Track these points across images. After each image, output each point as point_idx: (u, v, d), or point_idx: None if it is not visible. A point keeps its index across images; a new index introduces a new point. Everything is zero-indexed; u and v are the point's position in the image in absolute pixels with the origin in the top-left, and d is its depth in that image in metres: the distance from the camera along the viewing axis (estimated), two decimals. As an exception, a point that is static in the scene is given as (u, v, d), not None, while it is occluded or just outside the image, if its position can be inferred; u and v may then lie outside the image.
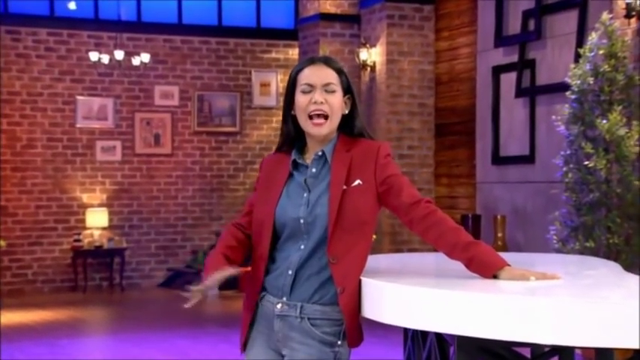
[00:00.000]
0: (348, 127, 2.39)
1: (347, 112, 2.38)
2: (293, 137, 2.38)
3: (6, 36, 9.71)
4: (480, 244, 2.25)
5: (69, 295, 9.67)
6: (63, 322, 8.00)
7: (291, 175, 2.37)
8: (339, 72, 2.37)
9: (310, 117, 2.32)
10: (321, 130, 2.33)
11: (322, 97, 2.32)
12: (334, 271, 2.28)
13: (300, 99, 2.33)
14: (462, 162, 8.82)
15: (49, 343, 6.86)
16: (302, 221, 2.31)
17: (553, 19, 7.51)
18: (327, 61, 2.37)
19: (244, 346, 2.42)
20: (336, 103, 2.34)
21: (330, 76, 2.34)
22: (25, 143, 9.88)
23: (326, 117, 2.32)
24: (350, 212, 2.29)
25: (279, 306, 2.32)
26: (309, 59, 2.39)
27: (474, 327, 1.99)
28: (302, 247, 2.31)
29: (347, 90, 2.37)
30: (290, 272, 2.31)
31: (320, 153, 2.34)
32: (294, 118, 2.37)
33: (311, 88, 2.33)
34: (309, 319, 2.30)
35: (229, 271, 2.28)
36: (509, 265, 2.22)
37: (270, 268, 2.36)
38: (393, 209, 2.35)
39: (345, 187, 2.30)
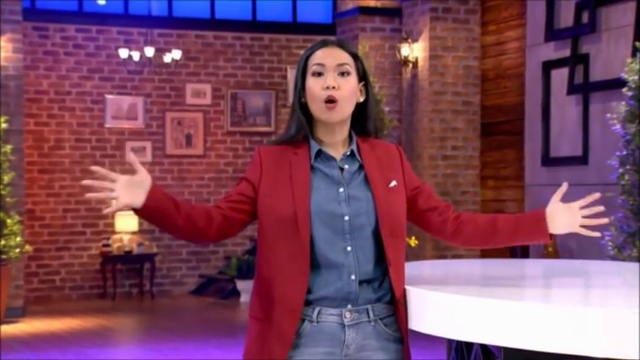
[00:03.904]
0: (359, 119, 2.31)
1: (362, 100, 2.30)
2: (303, 129, 2.27)
3: (33, 33, 9.86)
4: (508, 217, 2.34)
5: (97, 303, 9.78)
6: (91, 330, 8.09)
7: (312, 168, 2.25)
8: (355, 56, 2.28)
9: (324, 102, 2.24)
10: (332, 115, 2.23)
11: (335, 82, 2.22)
12: (392, 275, 2.24)
13: (312, 84, 2.24)
14: (510, 163, 8.75)
15: (77, 352, 6.95)
16: (347, 218, 2.21)
17: (608, 11, 7.42)
18: (341, 44, 2.30)
19: None
20: (350, 88, 2.24)
21: (344, 57, 2.26)
22: (53, 144, 10.02)
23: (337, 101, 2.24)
24: (395, 213, 2.26)
25: (348, 315, 2.21)
26: (321, 41, 2.33)
27: (522, 338, 1.97)
28: (349, 248, 2.22)
29: (362, 77, 2.30)
30: (353, 277, 2.20)
31: (348, 152, 2.28)
32: (305, 107, 2.27)
33: (323, 69, 2.24)
34: (380, 319, 2.25)
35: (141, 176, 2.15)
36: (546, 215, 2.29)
37: (313, 275, 2.20)
38: (422, 212, 2.34)
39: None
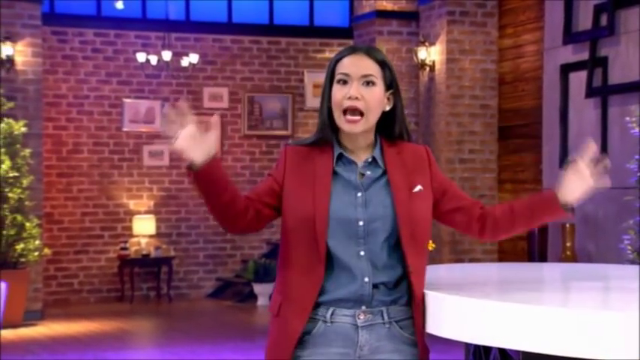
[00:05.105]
0: (387, 127, 2.30)
1: (388, 109, 2.29)
2: (327, 133, 2.27)
3: (52, 37, 9.92)
4: (522, 202, 2.35)
5: (115, 306, 9.82)
6: (109, 333, 8.12)
7: (333, 172, 2.25)
8: (382, 64, 2.26)
9: (344, 112, 2.23)
10: (354, 128, 2.22)
11: (358, 92, 2.21)
12: (414, 281, 2.23)
13: (336, 92, 2.23)
14: (528, 167, 8.71)
15: (95, 355, 6.98)
16: (361, 223, 2.21)
17: (627, 14, 7.38)
18: (369, 52, 2.27)
19: None
20: (374, 98, 2.23)
21: (370, 67, 2.24)
22: (71, 148, 10.08)
23: (362, 114, 2.23)
24: (417, 219, 2.25)
25: (361, 316, 2.22)
26: (349, 48, 2.30)
27: (542, 343, 1.96)
28: (362, 253, 2.22)
29: (390, 85, 2.28)
30: (366, 280, 2.21)
31: (370, 159, 2.27)
32: (331, 112, 2.27)
33: (347, 78, 2.22)
34: (396, 322, 2.25)
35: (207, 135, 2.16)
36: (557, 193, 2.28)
37: (327, 277, 2.22)
38: (446, 213, 2.34)
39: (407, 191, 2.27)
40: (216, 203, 2.22)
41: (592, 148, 2.31)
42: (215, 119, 2.21)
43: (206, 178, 2.19)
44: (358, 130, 2.24)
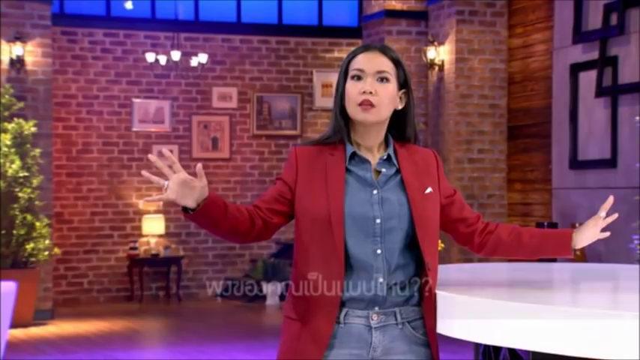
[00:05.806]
0: (398, 127, 2.32)
1: (400, 107, 2.30)
2: (340, 131, 2.27)
3: (62, 37, 9.95)
4: (534, 231, 2.42)
5: (125, 305, 9.84)
6: (119, 332, 8.15)
7: (346, 170, 2.26)
8: (396, 63, 2.28)
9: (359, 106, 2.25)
10: (368, 116, 2.23)
11: (372, 87, 2.23)
12: (432, 279, 2.25)
13: (350, 87, 2.25)
14: (537, 166, 8.70)
15: (105, 354, 7.00)
16: (378, 221, 2.22)
17: (637, 13, 7.36)
18: (384, 50, 2.30)
19: None
20: (388, 94, 2.25)
21: (384, 64, 2.26)
22: (81, 148, 10.11)
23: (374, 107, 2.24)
24: (430, 219, 2.28)
25: (375, 317, 2.22)
26: (364, 46, 2.32)
27: (551, 343, 1.97)
28: (379, 251, 2.22)
29: (403, 84, 2.30)
30: (381, 280, 2.22)
31: (385, 156, 2.29)
32: (344, 110, 2.27)
33: (362, 74, 2.24)
34: (408, 322, 2.25)
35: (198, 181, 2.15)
36: (573, 232, 2.40)
37: (345, 277, 2.21)
38: (452, 222, 2.38)
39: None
40: (218, 232, 2.26)
41: (610, 201, 2.41)
42: (200, 167, 2.23)
43: (202, 217, 2.21)
44: (371, 118, 2.24)
